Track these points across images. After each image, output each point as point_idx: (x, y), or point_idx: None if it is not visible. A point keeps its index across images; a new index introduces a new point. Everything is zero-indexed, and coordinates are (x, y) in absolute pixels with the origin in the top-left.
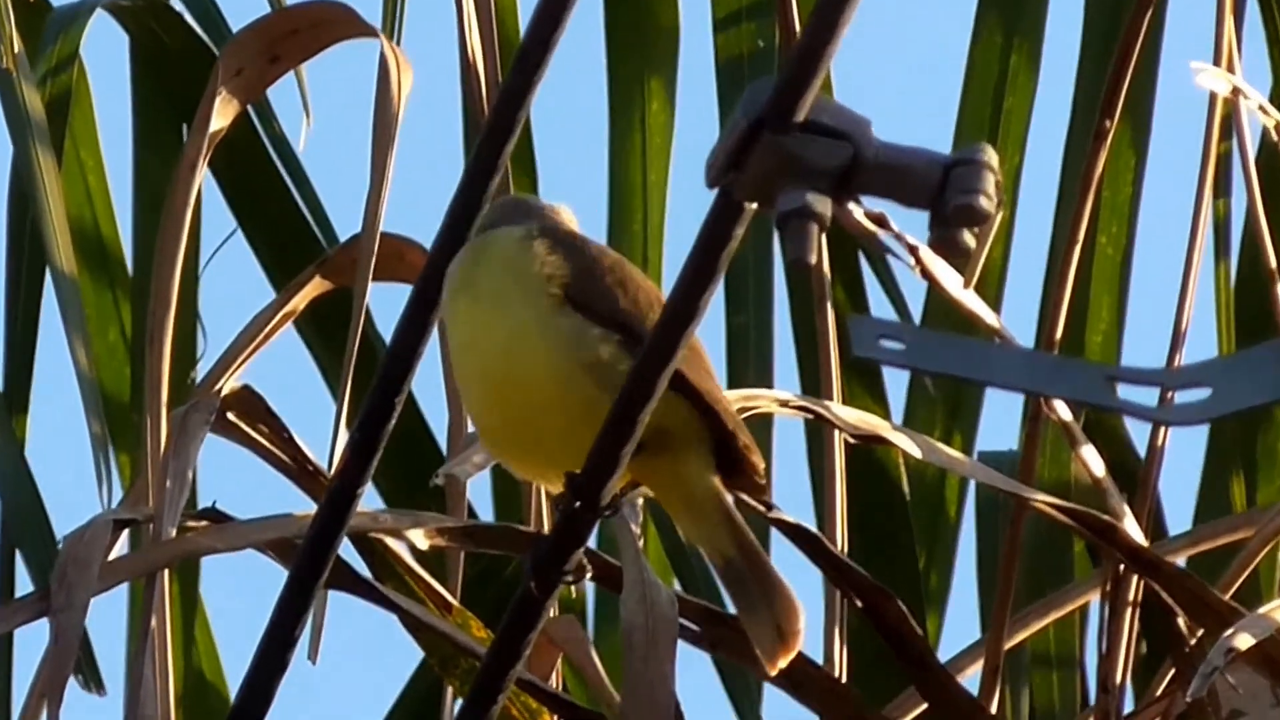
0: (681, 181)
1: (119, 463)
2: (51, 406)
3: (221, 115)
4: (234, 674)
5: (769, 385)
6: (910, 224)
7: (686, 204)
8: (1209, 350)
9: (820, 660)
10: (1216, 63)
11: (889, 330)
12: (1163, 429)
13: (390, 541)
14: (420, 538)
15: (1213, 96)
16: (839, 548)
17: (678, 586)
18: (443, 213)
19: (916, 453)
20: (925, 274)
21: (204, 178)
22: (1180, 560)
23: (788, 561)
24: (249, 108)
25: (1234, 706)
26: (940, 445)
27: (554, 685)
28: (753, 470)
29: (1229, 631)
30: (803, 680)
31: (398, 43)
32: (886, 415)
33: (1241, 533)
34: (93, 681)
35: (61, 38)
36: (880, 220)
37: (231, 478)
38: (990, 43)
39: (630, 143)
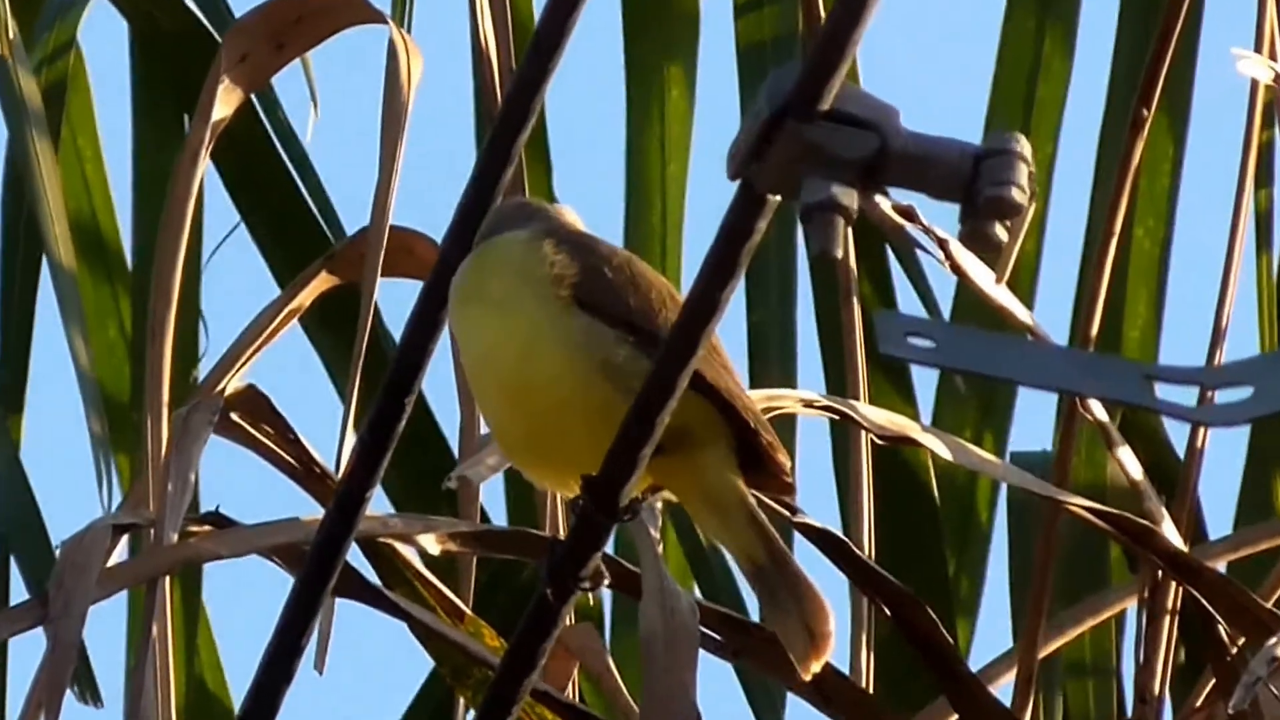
0: (701, 173)
1: (118, 465)
2: (48, 405)
3: (224, 104)
4: (238, 685)
5: (792, 385)
6: (940, 217)
7: (706, 196)
8: (1250, 347)
9: (847, 670)
10: (1258, 49)
11: (918, 327)
12: (1202, 429)
13: (400, 547)
14: (431, 543)
15: (1254, 84)
16: (866, 553)
17: (698, 593)
18: (454, 206)
19: (946, 454)
20: (955, 268)
21: (206, 169)
22: (1220, 565)
23: (812, 568)
24: (253, 96)
25: (1277, 717)
26: (971, 446)
27: (570, 696)
28: (778, 469)
29: (1272, 640)
30: (829, 691)
31: (407, 29)
32: (915, 415)
33: None
34: (90, 693)
35: (58, 23)
36: (908, 213)
37: (235, 481)
38: (1022, 27)
39: (648, 132)
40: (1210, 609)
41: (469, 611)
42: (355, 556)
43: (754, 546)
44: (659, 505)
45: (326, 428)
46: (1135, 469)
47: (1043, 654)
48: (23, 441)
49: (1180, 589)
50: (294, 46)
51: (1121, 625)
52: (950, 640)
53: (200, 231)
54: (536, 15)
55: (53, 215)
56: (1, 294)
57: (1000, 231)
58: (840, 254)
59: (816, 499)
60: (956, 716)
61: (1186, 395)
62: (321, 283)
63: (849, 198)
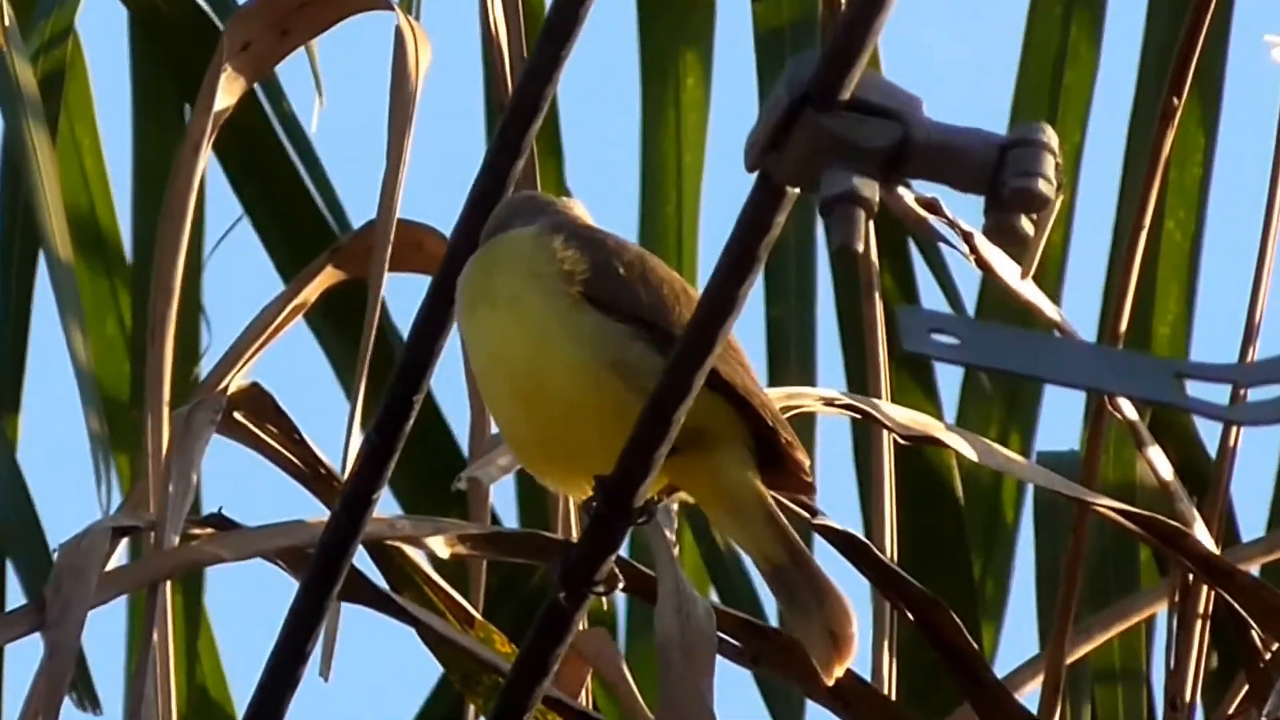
0: (718, 163)
1: (118, 465)
2: (45, 404)
3: (227, 93)
4: (241, 692)
5: (812, 382)
6: (964, 209)
7: (723, 188)
8: None
9: (868, 676)
10: None
11: (941, 323)
12: (1235, 428)
13: (408, 550)
14: (440, 546)
15: None
16: (888, 556)
17: (715, 597)
18: (463, 198)
19: (971, 454)
20: (980, 263)
21: (208, 160)
22: (1254, 569)
23: (833, 571)
24: (256, 85)
25: None
26: (996, 446)
27: (584, 703)
28: (797, 468)
29: None
30: (850, 697)
31: (415, 16)
32: (939, 414)
33: None
34: (89, 700)
35: (56, 9)
36: (932, 205)
37: (238, 482)
38: (1049, 13)
39: (663, 121)
40: (1243, 613)
41: (479, 616)
42: (362, 560)
43: (773, 547)
44: (675, 507)
45: (332, 427)
46: (1166, 469)
47: (1070, 660)
48: (19, 441)
49: (1212, 593)
50: (298, 33)
51: (1151, 630)
52: (975, 646)
53: (202, 225)
54: (548, 1)
55: (50, 208)
56: None
57: (1026, 224)
58: (861, 248)
59: (837, 500)
60: None
61: (1218, 393)
62: (327, 277)
63: (870, 189)
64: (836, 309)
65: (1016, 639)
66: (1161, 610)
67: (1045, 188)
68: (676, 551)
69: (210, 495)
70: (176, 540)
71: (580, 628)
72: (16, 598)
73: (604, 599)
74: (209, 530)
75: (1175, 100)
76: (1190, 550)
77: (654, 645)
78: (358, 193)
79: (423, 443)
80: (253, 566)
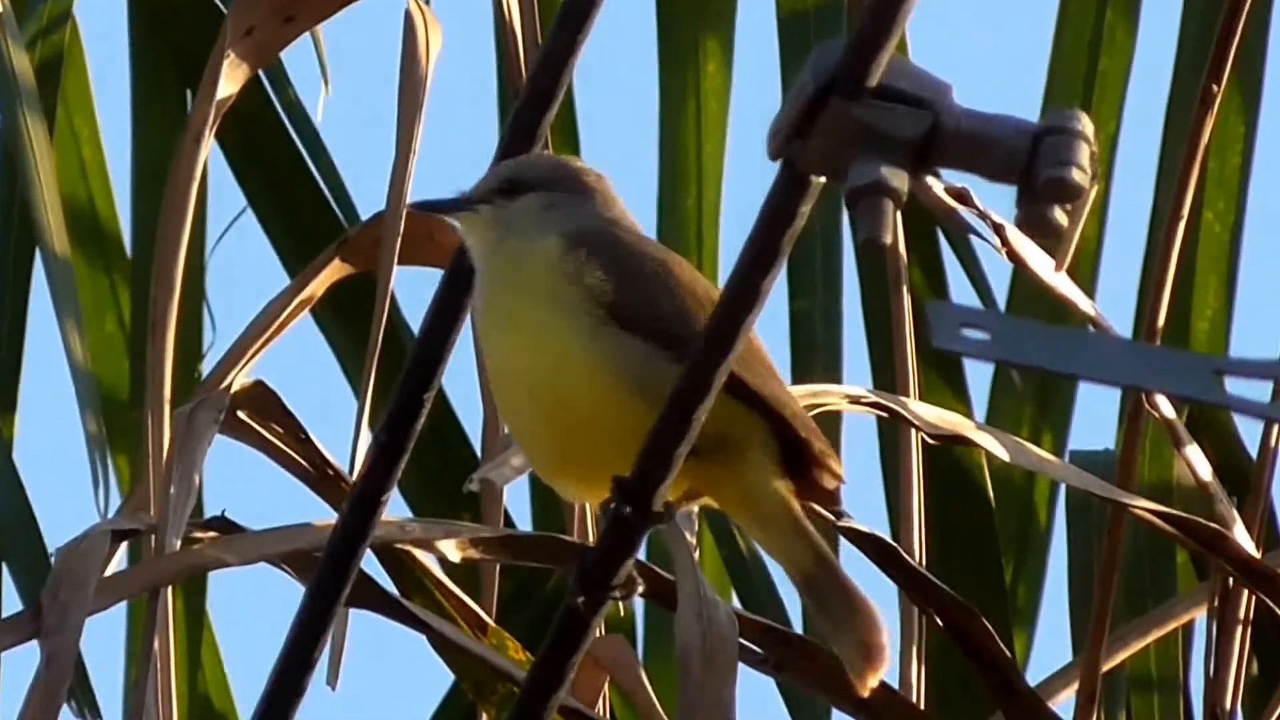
0: (740, 152)
1: (117, 467)
2: (42, 404)
3: (230, 80)
4: (245, 701)
5: (838, 380)
6: (995, 200)
7: (746, 178)
8: None
9: (897, 684)
10: None
11: (972, 318)
12: (1277, 426)
13: (419, 553)
14: (452, 549)
15: None
16: (917, 560)
17: (737, 603)
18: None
19: (1002, 454)
20: (1012, 255)
21: (211, 150)
22: None
23: (860, 576)
24: (260, 72)
25: None
26: (1028, 445)
27: (601, 712)
28: (832, 478)
29: None
30: (878, 706)
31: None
32: (969, 413)
33: None
34: (88, 709)
35: None
36: (962, 196)
37: (242, 484)
38: None
39: (683, 109)
40: None
41: (492, 623)
42: (371, 564)
43: (802, 555)
44: (694, 509)
45: (340, 426)
46: (1204, 469)
47: (1106, 667)
48: (15, 442)
49: (1253, 597)
50: (304, 19)
51: (1190, 636)
52: (1007, 652)
53: (204, 217)
54: None
55: (47, 201)
56: None
57: (1060, 216)
58: (889, 240)
59: (864, 502)
60: None
61: (1259, 390)
62: (334, 271)
63: (899, 179)
64: (863, 303)
65: (1050, 645)
66: (1200, 615)
67: (1079, 177)
68: (697, 555)
69: (213, 497)
70: (178, 544)
71: (597, 634)
72: (13, 603)
73: (622, 604)
74: (212, 534)
75: (1214, 87)
76: (1230, 553)
77: (673, 652)
78: (366, 183)
79: (434, 442)
80: (257, 571)
